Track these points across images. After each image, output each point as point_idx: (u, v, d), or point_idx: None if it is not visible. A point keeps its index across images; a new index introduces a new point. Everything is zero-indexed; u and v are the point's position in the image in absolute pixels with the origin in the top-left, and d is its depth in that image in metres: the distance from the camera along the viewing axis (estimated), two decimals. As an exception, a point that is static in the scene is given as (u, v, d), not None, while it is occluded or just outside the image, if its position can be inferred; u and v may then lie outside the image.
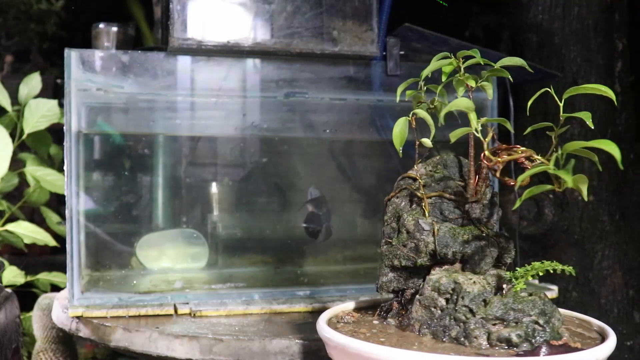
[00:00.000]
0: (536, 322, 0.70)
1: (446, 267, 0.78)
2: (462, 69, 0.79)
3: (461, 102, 0.76)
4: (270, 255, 1.50)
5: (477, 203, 0.80)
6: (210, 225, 1.48)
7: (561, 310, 0.84)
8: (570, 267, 0.73)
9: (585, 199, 0.67)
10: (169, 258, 1.46)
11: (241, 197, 1.53)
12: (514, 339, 0.69)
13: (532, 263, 0.74)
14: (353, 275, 1.49)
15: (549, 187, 0.71)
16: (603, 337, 0.74)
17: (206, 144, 1.48)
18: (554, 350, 0.67)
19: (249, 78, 1.36)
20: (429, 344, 0.73)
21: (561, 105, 0.72)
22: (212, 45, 1.26)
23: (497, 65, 0.78)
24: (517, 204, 0.68)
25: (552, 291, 1.43)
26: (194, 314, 1.21)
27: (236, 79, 1.35)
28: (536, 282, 1.50)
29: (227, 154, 1.49)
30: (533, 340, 0.69)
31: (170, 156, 1.47)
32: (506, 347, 0.70)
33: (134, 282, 1.37)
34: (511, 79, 0.80)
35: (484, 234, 0.77)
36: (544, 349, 0.67)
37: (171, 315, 1.22)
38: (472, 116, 0.76)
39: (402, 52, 1.37)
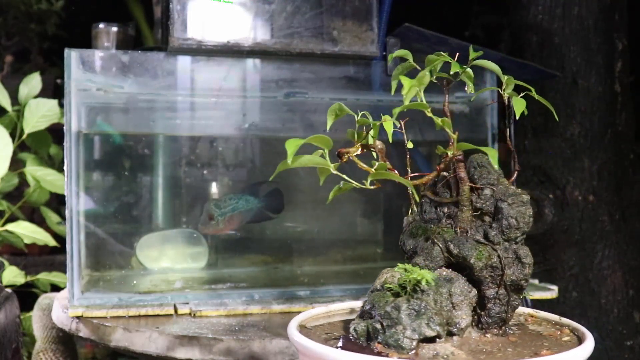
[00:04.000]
0: (380, 322, 0.70)
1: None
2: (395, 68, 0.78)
3: (335, 105, 0.77)
4: (270, 255, 1.50)
5: (452, 204, 0.79)
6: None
7: (540, 312, 0.82)
8: (430, 277, 0.72)
9: None
10: (169, 258, 1.46)
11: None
12: (351, 330, 0.72)
13: (421, 271, 0.74)
14: (353, 275, 1.49)
15: (351, 185, 0.75)
16: (580, 342, 0.74)
17: (206, 144, 1.49)
18: (349, 347, 0.69)
19: (249, 78, 1.36)
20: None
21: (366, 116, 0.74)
22: (212, 45, 1.26)
23: (473, 63, 0.78)
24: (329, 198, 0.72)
25: (552, 291, 1.43)
26: (194, 314, 1.21)
27: (236, 79, 1.35)
28: (536, 281, 1.50)
29: (227, 154, 1.49)
30: (373, 338, 0.70)
31: (170, 156, 1.47)
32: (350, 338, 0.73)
33: (134, 282, 1.37)
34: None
35: (433, 236, 0.77)
36: (342, 344, 0.70)
37: (171, 315, 1.22)
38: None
39: (401, 52, 1.37)
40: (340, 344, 0.71)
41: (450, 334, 0.74)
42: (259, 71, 1.36)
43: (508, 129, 0.78)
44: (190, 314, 1.22)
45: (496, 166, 0.72)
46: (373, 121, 0.75)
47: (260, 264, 1.48)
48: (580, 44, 1.90)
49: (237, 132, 1.42)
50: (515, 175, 0.81)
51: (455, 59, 0.77)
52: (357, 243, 1.60)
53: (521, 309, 0.85)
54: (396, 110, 0.75)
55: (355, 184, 0.76)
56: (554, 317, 0.81)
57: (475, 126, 1.47)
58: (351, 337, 0.72)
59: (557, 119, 0.86)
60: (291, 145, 0.70)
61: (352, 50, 1.32)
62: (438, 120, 0.76)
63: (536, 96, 0.77)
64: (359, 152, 0.77)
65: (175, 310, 1.23)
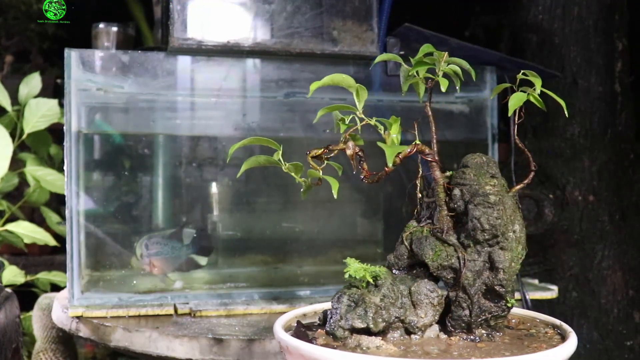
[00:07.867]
0: (331, 311, 0.75)
1: None
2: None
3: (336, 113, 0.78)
4: (270, 255, 1.50)
5: (431, 205, 0.79)
6: (210, 225, 1.48)
7: (564, 325, 0.80)
8: (362, 273, 0.73)
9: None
10: (169, 258, 1.45)
11: (241, 197, 1.53)
12: (316, 318, 0.79)
13: (356, 266, 0.75)
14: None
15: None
16: (564, 339, 0.72)
17: (206, 144, 1.48)
18: (296, 335, 0.72)
19: (249, 78, 1.36)
20: None
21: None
22: (212, 45, 1.26)
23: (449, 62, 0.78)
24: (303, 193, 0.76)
25: (552, 291, 1.43)
26: (194, 314, 1.21)
27: (236, 79, 1.35)
28: (536, 281, 1.50)
29: (226, 154, 1.49)
30: (325, 325, 0.75)
31: (170, 156, 1.46)
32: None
33: (134, 282, 1.37)
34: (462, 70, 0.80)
35: (403, 234, 0.79)
36: (295, 330, 0.75)
37: (171, 315, 1.22)
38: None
39: (402, 52, 1.37)
40: (293, 330, 0.75)
41: (407, 332, 0.73)
42: (259, 71, 1.36)
43: (516, 128, 0.77)
44: (190, 314, 1.22)
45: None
46: (346, 123, 0.77)
47: (260, 264, 1.48)
48: (580, 44, 1.90)
49: (237, 132, 1.42)
50: (531, 175, 0.80)
51: (443, 60, 0.78)
52: (357, 243, 1.60)
53: (553, 320, 0.80)
54: (320, 112, 0.78)
55: (301, 180, 0.78)
56: (567, 329, 0.77)
57: (475, 126, 1.46)
58: (313, 324, 0.78)
59: (568, 115, 0.84)
60: (233, 147, 0.79)
61: (352, 50, 1.32)
62: (351, 122, 0.78)
63: (540, 91, 0.76)
64: (320, 152, 0.79)
65: (175, 310, 1.23)
